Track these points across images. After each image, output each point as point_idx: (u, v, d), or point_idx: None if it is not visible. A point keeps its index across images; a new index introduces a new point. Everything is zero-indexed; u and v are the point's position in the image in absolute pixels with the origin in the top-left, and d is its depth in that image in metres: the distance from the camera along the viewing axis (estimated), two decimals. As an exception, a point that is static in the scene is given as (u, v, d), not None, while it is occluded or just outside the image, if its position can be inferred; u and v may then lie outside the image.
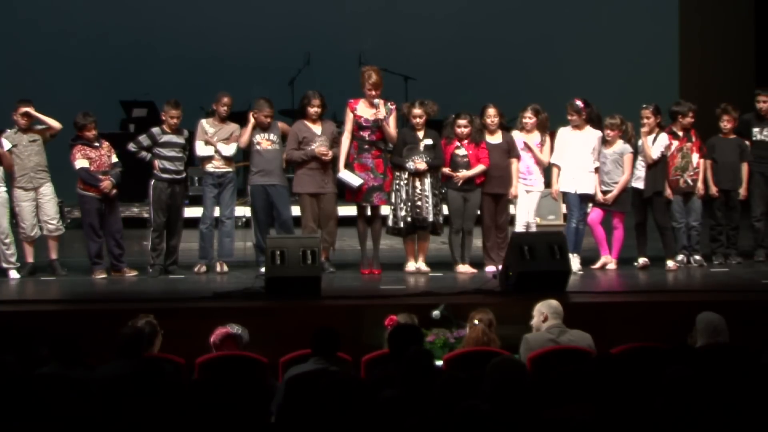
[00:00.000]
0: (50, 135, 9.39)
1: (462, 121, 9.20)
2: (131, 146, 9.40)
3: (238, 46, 15.10)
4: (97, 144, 9.29)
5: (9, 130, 9.31)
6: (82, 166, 9.17)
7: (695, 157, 9.48)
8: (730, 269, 9.43)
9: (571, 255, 8.96)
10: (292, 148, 9.25)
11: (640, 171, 9.32)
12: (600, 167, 9.27)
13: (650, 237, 9.46)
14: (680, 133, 9.45)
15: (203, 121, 9.53)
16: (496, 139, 9.33)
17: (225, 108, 9.45)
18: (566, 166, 9.28)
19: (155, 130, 9.40)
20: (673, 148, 9.40)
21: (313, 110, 9.21)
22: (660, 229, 9.38)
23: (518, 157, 9.30)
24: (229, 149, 9.42)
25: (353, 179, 9.08)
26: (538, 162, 9.35)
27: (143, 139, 9.39)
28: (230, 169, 9.52)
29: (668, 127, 9.48)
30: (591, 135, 9.27)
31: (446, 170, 9.18)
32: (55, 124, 9.33)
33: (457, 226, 9.22)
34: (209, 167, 9.43)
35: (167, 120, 9.32)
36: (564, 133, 9.33)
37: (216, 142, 9.38)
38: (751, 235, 9.86)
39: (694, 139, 9.51)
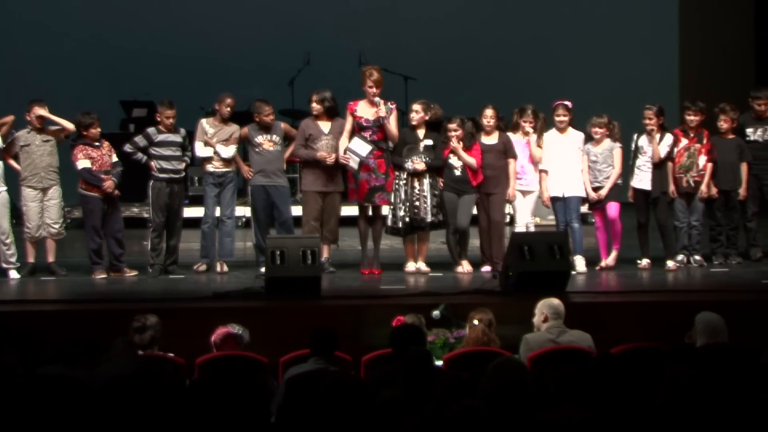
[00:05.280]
0: (64, 136, 9.42)
1: (452, 125, 9.19)
2: (127, 147, 9.41)
3: (238, 46, 15.09)
4: (97, 143, 9.29)
5: (23, 130, 9.32)
6: (84, 167, 9.16)
7: (702, 159, 9.46)
8: (730, 269, 9.43)
9: (577, 257, 9.02)
10: (300, 144, 9.27)
11: (645, 172, 9.31)
12: (591, 165, 9.27)
13: (651, 237, 9.45)
14: (691, 134, 9.45)
15: (203, 121, 9.53)
16: (492, 139, 9.32)
17: (228, 109, 9.45)
18: (553, 170, 9.28)
19: (150, 130, 9.40)
20: (681, 146, 9.41)
21: (313, 105, 9.21)
22: (661, 228, 9.37)
23: (515, 158, 9.29)
24: (228, 151, 9.41)
25: (362, 148, 9.01)
26: (533, 161, 9.33)
27: (139, 140, 9.40)
28: (230, 169, 9.52)
29: (682, 125, 9.50)
30: (575, 136, 9.29)
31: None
32: (69, 125, 9.33)
33: (454, 226, 9.22)
34: (209, 167, 9.44)
35: (162, 120, 9.33)
36: (549, 137, 9.32)
37: (215, 144, 9.39)
38: (745, 235, 9.87)
39: (705, 141, 9.49)
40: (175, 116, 9.33)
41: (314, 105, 9.24)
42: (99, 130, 9.28)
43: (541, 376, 5.62)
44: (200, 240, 9.58)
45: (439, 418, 4.16)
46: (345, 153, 9.05)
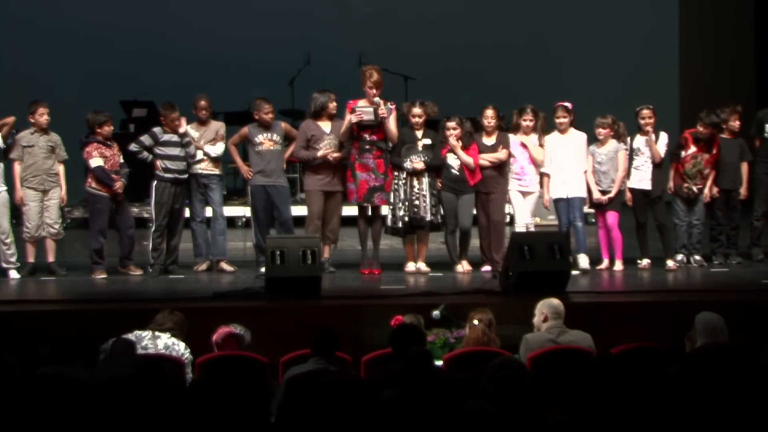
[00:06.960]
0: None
1: (451, 124, 9.19)
2: (133, 146, 9.40)
3: (238, 46, 15.11)
4: (110, 143, 9.29)
5: (26, 131, 9.31)
6: (98, 165, 9.15)
7: (707, 170, 9.45)
8: (730, 269, 9.43)
9: (581, 255, 9.02)
10: (300, 146, 9.27)
11: (645, 172, 9.30)
12: (596, 167, 9.26)
13: (650, 237, 9.46)
14: (701, 141, 9.44)
15: (187, 127, 9.50)
16: (491, 140, 9.32)
17: (203, 112, 9.48)
18: (556, 172, 9.28)
19: (156, 129, 9.40)
20: (689, 152, 9.40)
21: (333, 105, 9.23)
22: (660, 228, 9.37)
23: (507, 149, 9.27)
24: (217, 149, 9.44)
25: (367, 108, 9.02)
26: (534, 162, 9.32)
27: (145, 138, 9.39)
28: (217, 172, 9.54)
29: (693, 129, 9.50)
30: (577, 137, 9.28)
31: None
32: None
33: (452, 226, 9.22)
34: (196, 168, 9.43)
35: (168, 123, 9.31)
36: (550, 139, 9.32)
37: (203, 146, 9.39)
38: (749, 234, 9.86)
39: (714, 152, 9.49)
40: (179, 117, 9.34)
41: (335, 104, 9.24)
42: (112, 128, 9.29)
43: (541, 376, 5.63)
44: (191, 239, 9.57)
45: (439, 418, 4.16)
46: (354, 112, 9.02)
